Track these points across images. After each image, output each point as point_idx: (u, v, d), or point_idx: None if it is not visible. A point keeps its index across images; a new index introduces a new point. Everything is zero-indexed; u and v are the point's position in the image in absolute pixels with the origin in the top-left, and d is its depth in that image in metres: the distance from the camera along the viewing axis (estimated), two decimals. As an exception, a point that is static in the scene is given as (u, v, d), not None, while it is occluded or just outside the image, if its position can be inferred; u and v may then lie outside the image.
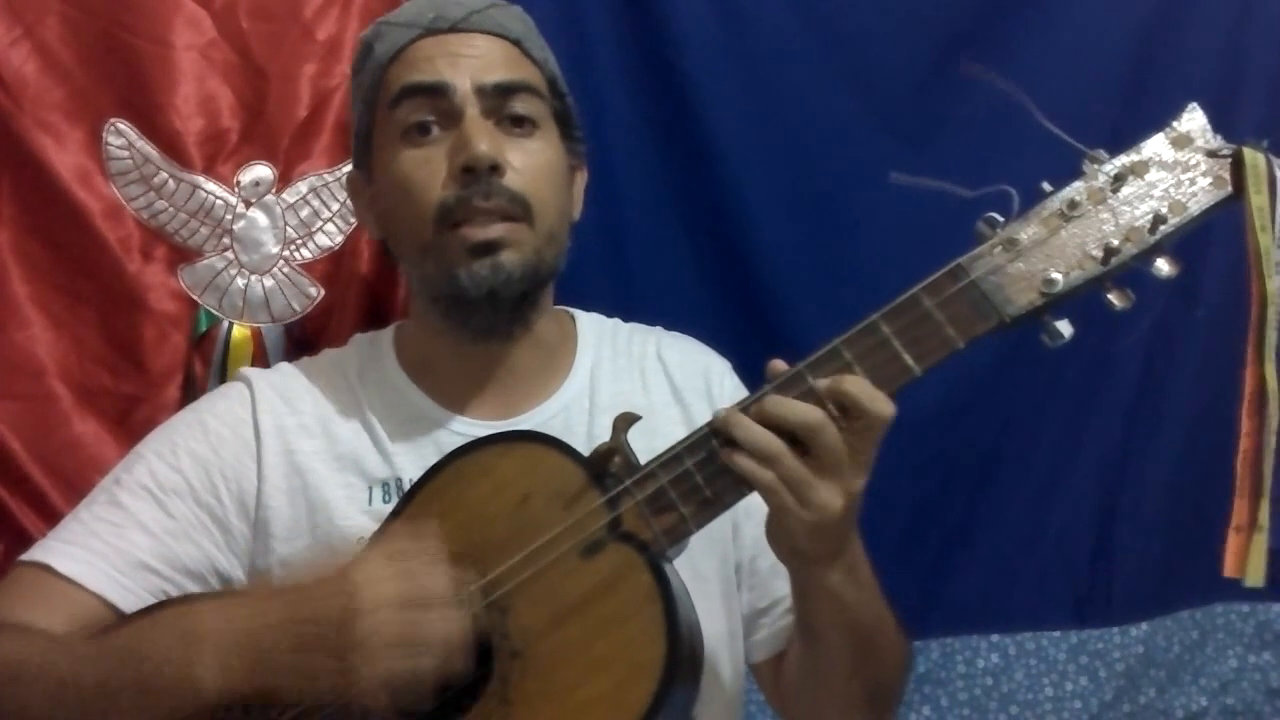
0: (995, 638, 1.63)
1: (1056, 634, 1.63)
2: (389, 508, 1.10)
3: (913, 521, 1.61)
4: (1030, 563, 1.63)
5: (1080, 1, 1.59)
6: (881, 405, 0.94)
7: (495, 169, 1.12)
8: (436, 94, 1.14)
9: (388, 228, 1.22)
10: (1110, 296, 0.93)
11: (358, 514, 1.15)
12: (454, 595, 0.95)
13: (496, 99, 1.15)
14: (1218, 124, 0.95)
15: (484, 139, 1.12)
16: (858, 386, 0.93)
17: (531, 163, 1.15)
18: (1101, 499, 1.64)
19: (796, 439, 0.94)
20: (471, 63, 1.16)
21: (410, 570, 0.94)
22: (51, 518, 1.36)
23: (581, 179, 1.28)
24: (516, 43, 1.20)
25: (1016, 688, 1.62)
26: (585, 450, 1.03)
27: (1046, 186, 0.94)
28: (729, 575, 1.22)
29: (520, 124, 1.16)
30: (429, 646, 0.92)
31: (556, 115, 1.22)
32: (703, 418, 1.19)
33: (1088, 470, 1.64)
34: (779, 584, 1.21)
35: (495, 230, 1.12)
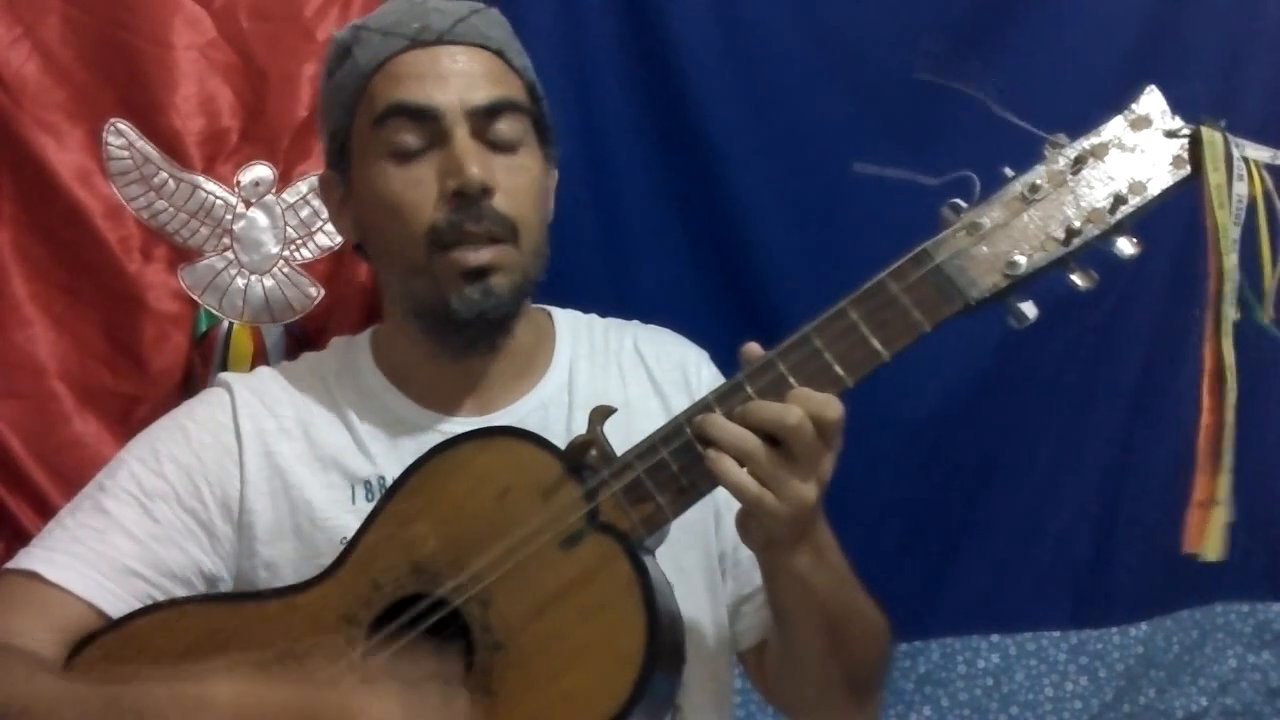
0: (995, 638, 1.63)
1: (1056, 634, 1.63)
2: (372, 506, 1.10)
3: (914, 523, 1.61)
4: (1030, 564, 1.63)
5: (1078, 6, 1.59)
6: (830, 408, 0.94)
7: (486, 191, 1.12)
8: (425, 117, 1.14)
9: (370, 239, 1.21)
10: (1073, 277, 0.94)
11: (342, 513, 1.15)
12: None
13: (483, 119, 1.15)
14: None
15: (474, 162, 1.12)
16: (801, 397, 0.94)
17: (518, 183, 1.16)
18: (1101, 500, 1.64)
19: (771, 435, 0.94)
20: (459, 81, 1.15)
21: None
22: (51, 517, 1.36)
23: (553, 180, 1.28)
24: (499, 53, 1.19)
25: (1017, 688, 1.62)
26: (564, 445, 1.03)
27: (1008, 171, 0.96)
28: (712, 566, 1.22)
29: (504, 141, 1.16)
30: None
31: (535, 121, 1.21)
32: (681, 408, 1.20)
33: (1088, 471, 1.64)
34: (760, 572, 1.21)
35: (486, 255, 1.12)
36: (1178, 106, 0.98)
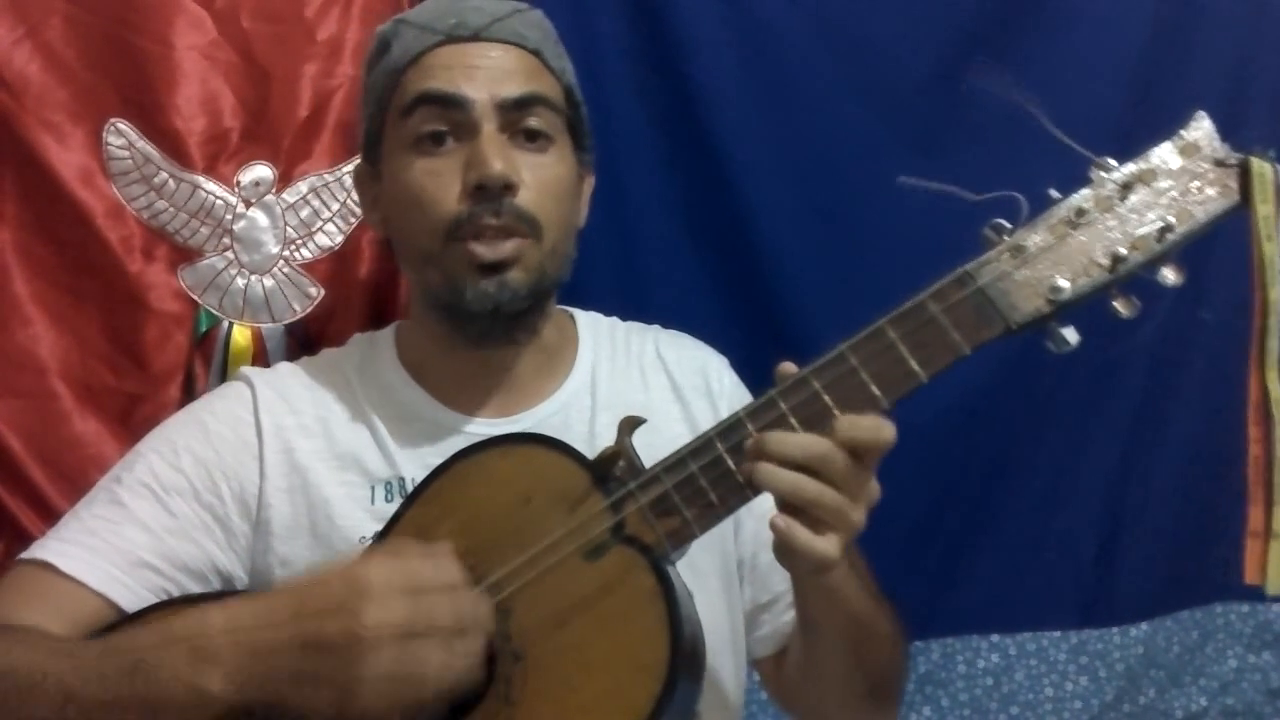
0: (996, 638, 1.63)
1: (1057, 634, 1.64)
2: (392, 507, 1.09)
3: (918, 524, 1.61)
4: (1033, 565, 1.64)
5: (1090, 10, 1.59)
6: (885, 432, 0.93)
7: (508, 187, 1.12)
8: (452, 106, 1.14)
9: (394, 230, 1.21)
10: (1116, 304, 0.93)
11: (359, 512, 1.15)
12: (464, 622, 0.93)
13: (513, 113, 1.14)
14: (1226, 131, 0.95)
15: (498, 157, 1.11)
16: (851, 426, 0.93)
17: (543, 179, 1.15)
18: (1105, 502, 1.65)
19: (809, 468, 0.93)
20: (489, 75, 1.15)
21: (419, 594, 0.92)
22: (51, 517, 1.36)
23: (588, 185, 1.28)
24: (535, 52, 1.18)
25: (1017, 688, 1.62)
26: (587, 447, 1.03)
27: (1054, 194, 0.94)
28: (730, 571, 1.22)
29: (534, 138, 1.16)
30: (431, 680, 0.91)
31: (570, 125, 1.21)
32: (702, 414, 1.21)
33: (1091, 473, 1.65)
34: (779, 579, 1.21)
35: (504, 250, 1.12)
36: (1187, 114, 0.97)
